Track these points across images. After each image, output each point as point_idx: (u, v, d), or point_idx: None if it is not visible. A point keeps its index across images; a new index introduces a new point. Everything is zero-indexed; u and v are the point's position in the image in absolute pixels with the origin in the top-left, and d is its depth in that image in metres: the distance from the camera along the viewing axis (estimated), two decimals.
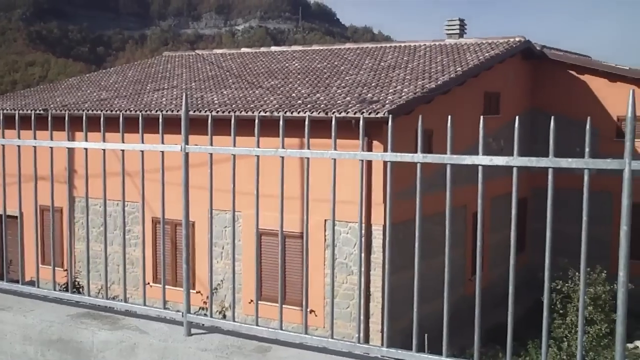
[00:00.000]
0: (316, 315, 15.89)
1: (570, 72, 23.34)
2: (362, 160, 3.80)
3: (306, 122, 3.89)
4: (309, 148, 3.90)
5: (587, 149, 3.28)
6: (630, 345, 17.51)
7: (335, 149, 3.85)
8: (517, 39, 22.04)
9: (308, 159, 3.92)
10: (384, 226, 15.08)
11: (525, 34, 22.41)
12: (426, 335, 11.19)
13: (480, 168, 3.54)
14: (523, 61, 23.31)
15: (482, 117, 3.52)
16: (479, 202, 3.59)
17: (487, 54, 20.20)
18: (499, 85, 21.39)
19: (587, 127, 3.28)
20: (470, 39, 23.40)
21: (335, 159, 3.84)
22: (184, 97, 4.18)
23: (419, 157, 3.61)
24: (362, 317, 15.75)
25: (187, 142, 4.26)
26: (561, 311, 14.45)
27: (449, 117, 3.57)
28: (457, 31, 24.65)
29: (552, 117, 3.50)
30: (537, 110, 23.12)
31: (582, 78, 23.20)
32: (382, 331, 15.42)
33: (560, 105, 22.84)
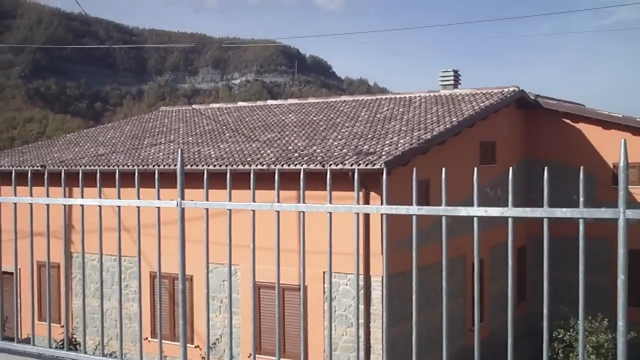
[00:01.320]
0: None
1: (565, 120, 23.51)
2: (358, 214, 3.82)
3: (301, 175, 3.91)
4: (304, 202, 3.92)
5: (581, 199, 3.29)
6: None
7: (330, 202, 3.87)
8: (511, 89, 22.25)
9: (303, 212, 3.93)
10: (387, 276, 15.01)
11: (519, 84, 22.60)
12: None
13: (475, 219, 3.55)
14: (518, 110, 23.50)
15: (475, 168, 3.55)
16: (475, 253, 3.60)
17: (481, 104, 20.36)
18: (494, 135, 21.52)
19: (581, 176, 3.30)
20: (465, 89, 23.62)
21: (331, 213, 3.86)
22: (179, 152, 4.21)
23: (414, 210, 3.64)
24: None
25: (182, 197, 4.29)
26: None
27: (443, 169, 3.60)
28: (452, 82, 24.89)
29: (546, 167, 3.52)
30: (532, 159, 23.26)
31: (576, 126, 23.37)
32: None
33: (556, 154, 22.98)
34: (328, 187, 3.88)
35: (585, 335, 13.57)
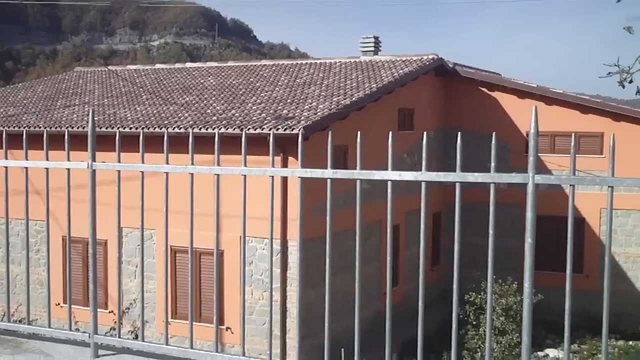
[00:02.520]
0: (232, 333, 15.74)
1: (482, 89, 23.94)
2: (272, 177, 3.80)
3: (216, 139, 3.86)
4: (219, 164, 3.87)
5: (492, 164, 3.34)
6: (540, 354, 17.98)
7: (245, 165, 3.83)
8: (430, 57, 22.47)
9: (218, 175, 3.88)
10: (302, 241, 15.07)
11: (440, 53, 22.90)
12: (342, 349, 11.22)
13: (389, 183, 3.57)
14: (436, 78, 23.79)
15: (390, 132, 3.56)
16: (388, 217, 3.63)
17: (401, 71, 20.52)
18: (412, 102, 21.75)
19: (493, 142, 3.35)
20: (385, 56, 23.74)
21: (245, 176, 3.82)
22: (90, 113, 4.09)
23: (329, 173, 3.63)
24: (278, 334, 15.69)
25: (94, 159, 4.18)
26: (474, 322, 14.73)
27: (358, 133, 3.61)
28: (372, 48, 24.97)
29: (459, 133, 3.56)
30: (450, 126, 23.63)
31: (493, 95, 23.82)
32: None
33: (473, 121, 23.41)
34: (243, 150, 3.83)
35: (495, 298, 13.98)
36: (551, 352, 18.80)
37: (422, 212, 3.52)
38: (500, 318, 14.02)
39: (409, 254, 20.89)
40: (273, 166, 3.80)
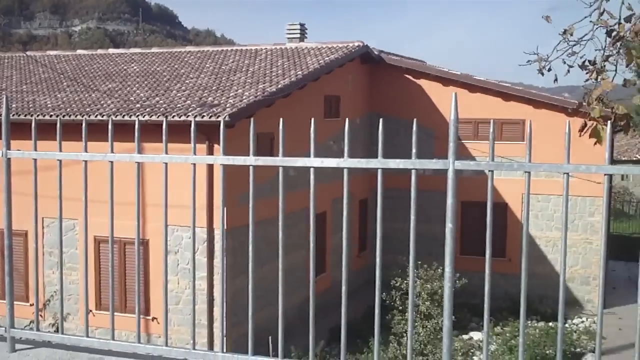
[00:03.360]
0: (159, 323, 15.57)
1: (407, 76, 24.18)
2: (194, 164, 3.75)
3: (136, 126, 3.78)
4: (139, 152, 3.80)
5: (413, 150, 3.37)
6: (465, 337, 18.35)
7: (166, 152, 3.77)
8: (356, 44, 22.58)
9: (139, 163, 3.81)
10: (225, 230, 14.97)
11: (366, 40, 23.05)
12: (270, 337, 11.22)
13: (312, 170, 3.57)
14: (362, 65, 23.92)
15: (313, 119, 3.55)
16: (311, 204, 3.62)
17: (326, 58, 20.55)
18: (338, 89, 21.82)
19: (414, 128, 3.37)
20: (311, 43, 23.74)
21: (166, 164, 3.77)
22: (4, 99, 3.96)
23: (251, 160, 3.60)
24: (206, 323, 15.58)
25: (8, 147, 4.04)
26: (400, 307, 14.91)
27: (281, 119, 3.58)
28: (298, 35, 24.94)
29: (381, 119, 3.57)
30: (376, 114, 23.82)
31: (417, 82, 24.09)
32: (224, 336, 15.31)
33: (398, 109, 23.64)
34: (164, 138, 3.77)
35: (421, 283, 14.17)
36: (475, 334, 19.22)
37: (344, 199, 3.52)
38: (426, 303, 14.23)
39: (336, 240, 21.02)
40: (195, 154, 3.75)
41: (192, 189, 3.73)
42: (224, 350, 3.74)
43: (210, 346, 15.33)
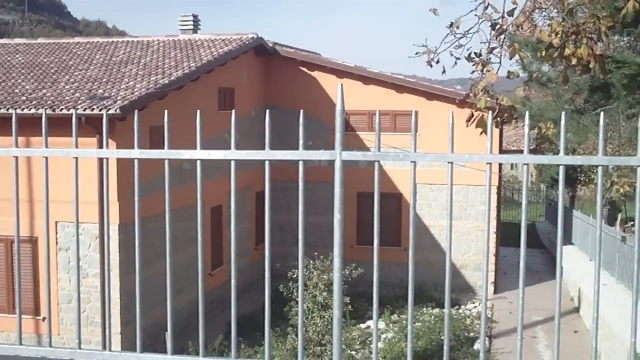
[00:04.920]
0: (45, 322, 15.09)
1: (302, 68, 24.23)
2: (76, 158, 3.62)
3: (13, 119, 3.62)
4: (17, 146, 3.65)
5: (300, 141, 3.35)
6: (362, 326, 18.58)
7: (46, 146, 3.63)
8: (250, 36, 22.46)
9: (16, 158, 3.66)
10: (120, 225, 14.65)
11: (260, 33, 22.95)
12: (166, 333, 11.05)
13: (198, 162, 3.50)
14: (256, 58, 23.80)
15: (199, 111, 3.48)
16: (198, 197, 3.55)
17: (220, 50, 20.35)
18: (233, 81, 21.65)
19: (300, 120, 3.35)
20: (204, 35, 23.48)
21: (47, 157, 3.63)
22: None
23: (136, 153, 3.50)
24: (99, 321, 15.21)
25: None
26: (297, 299, 14.96)
27: (166, 112, 3.50)
28: (191, 27, 24.62)
29: (267, 111, 3.53)
30: (272, 106, 23.74)
31: (312, 74, 24.17)
32: (120, 333, 15.00)
33: (294, 101, 23.65)
34: (44, 131, 3.63)
35: (318, 274, 14.24)
36: (373, 323, 19.49)
37: (232, 191, 3.46)
38: (323, 293, 14.30)
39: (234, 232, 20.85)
40: (77, 147, 3.62)
41: (74, 184, 3.61)
42: (111, 349, 3.63)
43: (105, 345, 14.96)
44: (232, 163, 3.41)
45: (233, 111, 3.53)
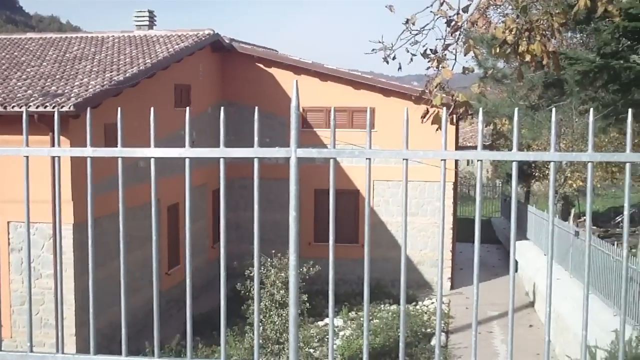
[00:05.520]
0: (2, 326, 14.82)
1: (259, 65, 24.13)
2: (27, 157, 3.55)
3: None
4: None
5: (255, 138, 3.32)
6: (321, 323, 18.59)
7: None
8: (206, 32, 22.30)
9: None
10: (74, 225, 14.45)
11: (218, 29, 22.75)
12: (123, 332, 10.92)
13: (152, 160, 3.46)
14: (213, 54, 23.64)
15: (152, 109, 3.43)
16: (152, 194, 3.50)
17: (176, 46, 20.18)
18: (189, 78, 21.49)
19: (255, 116, 3.32)
20: (160, 31, 23.25)
21: None
22: None
23: (88, 151, 3.45)
24: (53, 322, 14.98)
25: None
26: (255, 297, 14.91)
27: (119, 109, 3.45)
28: (147, 23, 24.35)
29: (222, 108, 3.50)
30: (228, 102, 23.61)
31: (269, 71, 24.08)
32: (75, 335, 14.80)
33: (252, 98, 23.54)
34: None
35: (276, 272, 14.21)
36: (329, 321, 19.49)
37: (187, 189, 3.43)
38: (281, 291, 14.27)
39: (191, 231, 20.69)
40: (27, 145, 3.55)
41: (25, 183, 3.53)
42: (65, 351, 3.56)
43: (58, 347, 14.75)
44: (187, 161, 3.38)
45: (188, 108, 3.49)
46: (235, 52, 23.98)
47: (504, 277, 23.15)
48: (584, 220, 25.04)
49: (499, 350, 16.94)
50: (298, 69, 23.56)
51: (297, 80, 3.27)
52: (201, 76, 22.51)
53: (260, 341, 14.61)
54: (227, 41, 23.71)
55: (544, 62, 6.46)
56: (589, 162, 3.05)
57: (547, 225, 21.69)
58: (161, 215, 18.29)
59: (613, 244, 15.46)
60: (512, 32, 6.29)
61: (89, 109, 3.44)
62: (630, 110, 3.14)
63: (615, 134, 24.62)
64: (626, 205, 3.08)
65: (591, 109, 3.37)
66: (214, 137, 22.12)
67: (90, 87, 15.55)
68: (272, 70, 24.05)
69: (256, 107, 3.42)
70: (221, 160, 3.31)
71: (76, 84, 16.02)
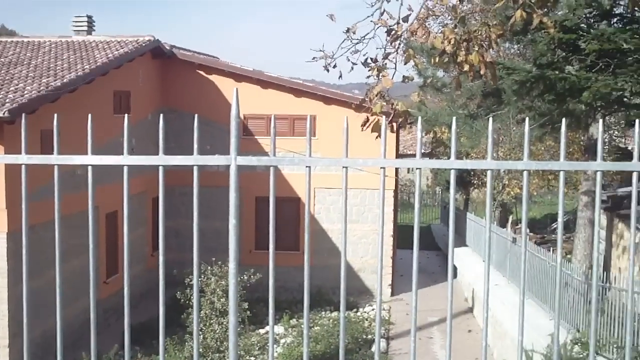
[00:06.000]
0: None
1: (199, 72, 23.98)
2: None
3: None
4: None
5: (195, 146, 3.31)
6: (262, 331, 18.52)
7: None
8: (146, 38, 22.07)
9: None
10: (8, 233, 14.12)
11: (159, 35, 22.53)
12: (58, 343, 10.70)
13: (90, 168, 3.41)
14: (153, 60, 23.40)
15: (90, 115, 3.39)
16: (89, 201, 3.45)
17: (116, 52, 19.93)
18: (129, 84, 21.22)
19: (195, 124, 3.31)
20: (99, 36, 22.95)
21: None
22: None
23: (23, 159, 3.38)
24: None
25: None
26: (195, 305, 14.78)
27: (55, 115, 3.40)
28: (85, 28, 24.00)
29: (162, 115, 3.48)
30: (169, 109, 23.38)
31: (210, 78, 23.95)
32: (8, 346, 14.45)
33: (193, 105, 23.33)
34: None
35: (216, 280, 14.13)
36: (269, 328, 19.42)
37: (125, 197, 3.38)
38: (221, 299, 14.19)
39: (130, 239, 20.41)
40: None
41: None
42: None
43: None
44: (125, 169, 3.34)
45: (127, 115, 3.45)
46: (176, 59, 23.78)
47: (444, 283, 23.43)
48: (521, 227, 25.50)
49: (439, 355, 17.13)
50: (239, 76, 23.50)
51: (237, 88, 3.27)
52: (141, 82, 22.26)
53: (200, 350, 14.50)
54: (167, 47, 23.50)
55: (482, 72, 6.58)
56: (524, 170, 3.11)
57: (485, 232, 22.00)
58: (99, 223, 18.00)
59: (549, 250, 15.79)
60: (451, 42, 6.39)
61: (24, 114, 3.37)
62: (564, 119, 3.22)
63: (551, 143, 25.22)
64: (560, 212, 3.16)
65: (527, 118, 3.45)
66: (154, 144, 21.91)
67: (26, 92, 15.23)
68: (213, 77, 23.93)
69: (196, 115, 3.40)
70: (160, 168, 3.29)
71: (11, 89, 15.68)
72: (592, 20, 15.09)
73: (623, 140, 29.31)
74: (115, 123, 18.84)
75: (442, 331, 18.83)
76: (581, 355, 11.88)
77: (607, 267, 18.67)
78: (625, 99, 14.11)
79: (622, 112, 16.10)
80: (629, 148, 20.36)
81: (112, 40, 21.91)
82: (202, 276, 14.46)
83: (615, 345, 11.95)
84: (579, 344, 12.34)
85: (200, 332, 14.67)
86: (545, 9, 7.02)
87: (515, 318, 14.72)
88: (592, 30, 13.56)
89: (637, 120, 3.26)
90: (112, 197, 17.32)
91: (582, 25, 14.32)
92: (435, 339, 18.41)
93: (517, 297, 16.69)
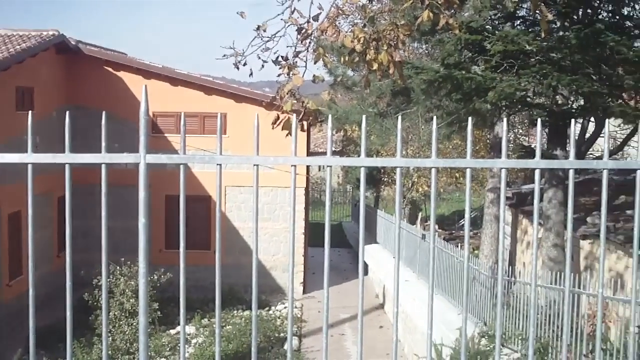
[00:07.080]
0: None
1: (107, 68, 23.46)
2: None
3: None
4: None
5: (103, 144, 3.24)
6: (173, 331, 18.29)
7: None
8: (50, 33, 21.45)
9: None
10: None
11: (65, 30, 21.95)
12: None
13: None
14: (58, 56, 22.76)
15: None
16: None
17: (18, 47, 19.29)
18: (32, 80, 20.58)
19: (103, 121, 3.24)
20: (0, 29, 22.16)
21: None
22: None
23: None
24: None
25: None
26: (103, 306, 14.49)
27: None
28: None
29: (67, 112, 3.39)
30: (75, 106, 22.76)
31: (118, 74, 23.47)
32: None
33: (100, 101, 22.78)
34: None
35: (125, 280, 13.89)
36: (181, 328, 19.20)
37: (29, 196, 3.29)
38: (131, 300, 13.95)
39: (34, 240, 19.83)
40: None
41: None
42: None
43: None
44: (29, 167, 3.25)
45: (30, 112, 3.35)
46: (82, 55, 23.19)
47: (355, 280, 23.66)
48: (430, 223, 26.01)
49: (351, 351, 17.29)
50: (148, 73, 23.12)
51: (146, 85, 3.22)
52: (45, 78, 21.61)
53: (110, 352, 14.21)
54: (73, 43, 22.89)
55: (391, 71, 6.66)
56: (433, 167, 3.17)
57: (395, 229, 22.36)
58: (1, 224, 17.40)
59: (457, 246, 16.16)
60: (360, 41, 6.45)
61: None
62: (470, 118, 3.30)
63: (459, 141, 25.80)
64: (467, 208, 3.23)
65: (435, 117, 3.52)
66: (59, 142, 21.30)
67: None
68: (121, 74, 23.46)
69: (104, 112, 3.34)
70: (67, 166, 3.20)
71: None
72: (497, 22, 15.50)
73: (527, 138, 30.29)
74: (18, 120, 18.24)
75: (354, 328, 19.01)
76: (488, 348, 12.22)
77: (512, 261, 19.24)
78: (528, 99, 14.55)
79: (525, 111, 16.61)
80: (532, 146, 21.04)
81: (13, 35, 21.19)
82: (111, 277, 14.17)
83: (520, 337, 12.32)
84: (486, 337, 12.68)
85: (110, 334, 14.37)
86: (452, 10, 7.18)
87: (425, 313, 15.01)
88: (496, 32, 13.92)
89: (539, 120, 3.38)
90: (14, 197, 16.82)
91: (488, 26, 14.69)
92: (348, 335, 18.58)
93: (427, 292, 17.04)
